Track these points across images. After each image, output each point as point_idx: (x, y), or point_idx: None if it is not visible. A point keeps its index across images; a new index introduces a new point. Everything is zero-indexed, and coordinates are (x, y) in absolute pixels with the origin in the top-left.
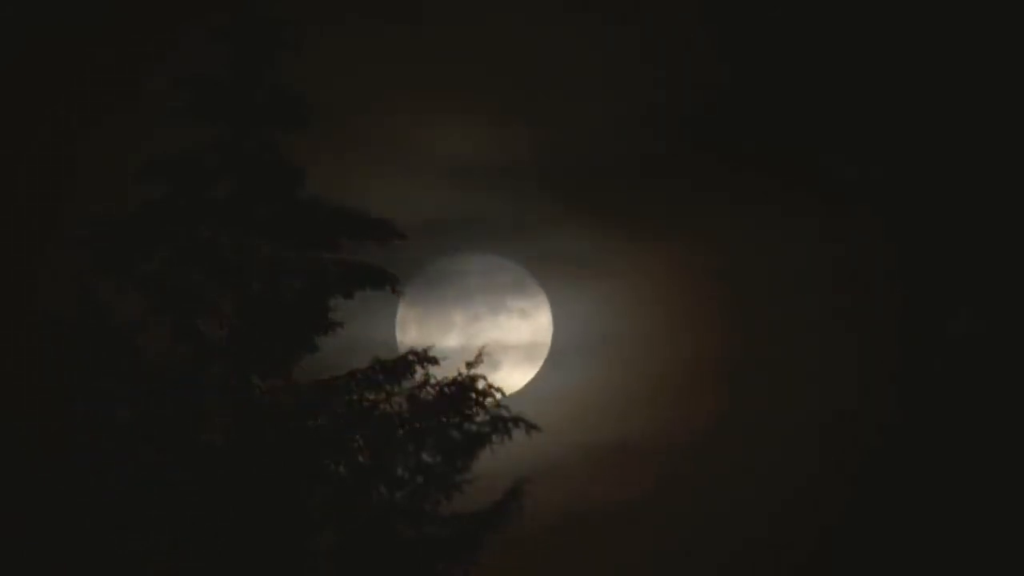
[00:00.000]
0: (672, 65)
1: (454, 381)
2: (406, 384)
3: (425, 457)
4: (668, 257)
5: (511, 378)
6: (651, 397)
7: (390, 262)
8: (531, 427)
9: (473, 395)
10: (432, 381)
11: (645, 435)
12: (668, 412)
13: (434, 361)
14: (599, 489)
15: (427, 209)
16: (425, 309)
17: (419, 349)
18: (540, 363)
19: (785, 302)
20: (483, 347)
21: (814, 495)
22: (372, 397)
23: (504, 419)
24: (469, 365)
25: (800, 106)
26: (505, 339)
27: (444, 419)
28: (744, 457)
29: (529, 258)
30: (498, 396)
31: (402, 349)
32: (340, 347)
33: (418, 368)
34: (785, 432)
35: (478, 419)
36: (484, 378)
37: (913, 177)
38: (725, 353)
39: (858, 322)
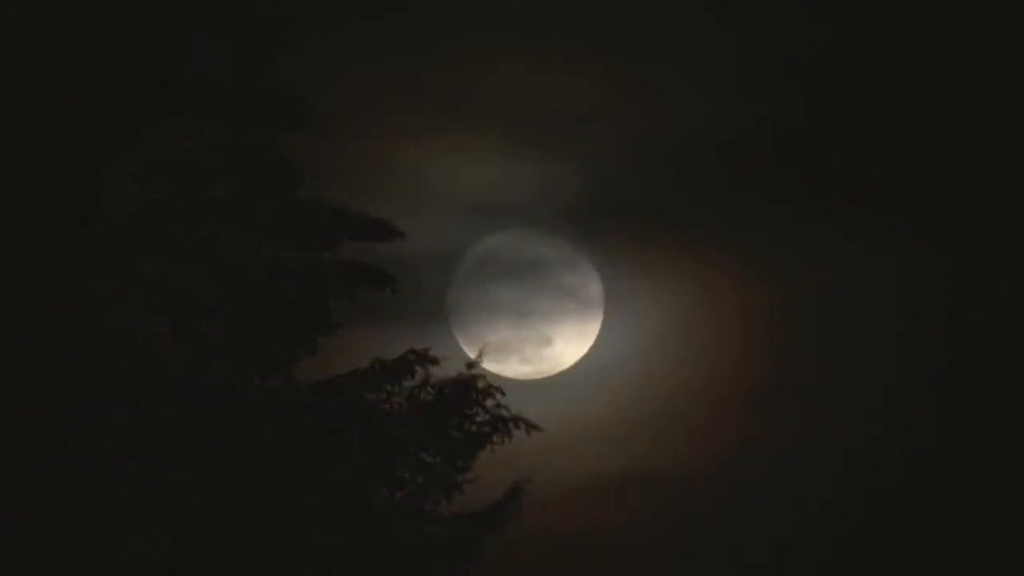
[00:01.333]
0: (727, 81)
1: (454, 381)
2: (406, 384)
3: (425, 457)
4: (702, 282)
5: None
6: (679, 423)
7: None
8: (531, 427)
9: (473, 395)
10: (432, 381)
11: (664, 461)
12: (696, 437)
13: (434, 361)
14: (612, 512)
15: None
16: (477, 293)
17: (419, 348)
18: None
19: (832, 330)
20: (483, 347)
21: (828, 528)
22: (372, 397)
23: (504, 419)
24: (469, 365)
25: (863, 128)
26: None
27: (444, 419)
28: (762, 483)
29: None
30: (498, 396)
31: (457, 333)
32: (390, 333)
33: (418, 368)
34: (808, 460)
35: (478, 419)
36: (484, 378)
37: (975, 205)
38: (759, 380)
39: (909, 354)
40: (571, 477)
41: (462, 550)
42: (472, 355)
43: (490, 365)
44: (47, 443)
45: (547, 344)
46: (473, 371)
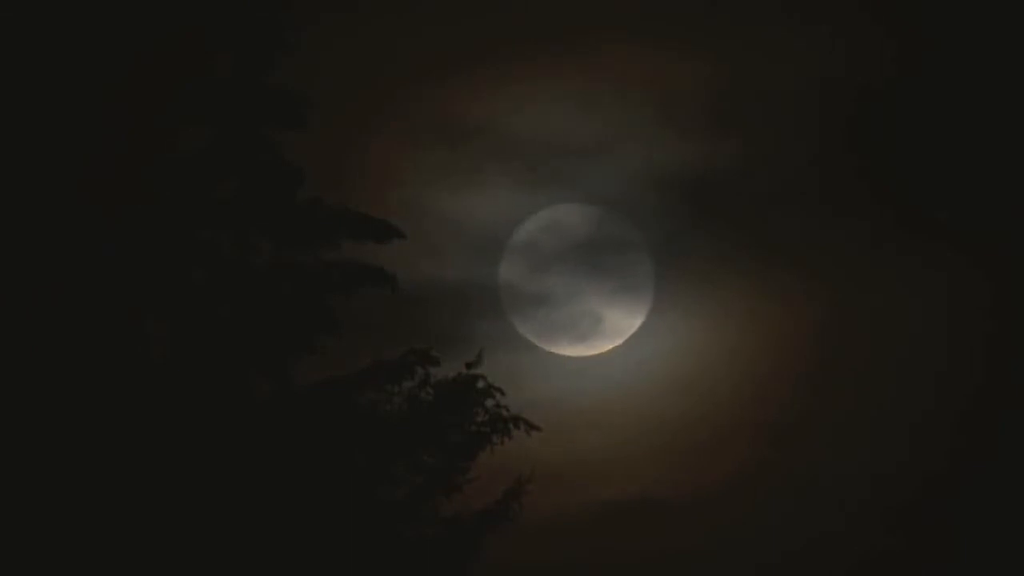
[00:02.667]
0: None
1: (454, 381)
2: (406, 384)
3: (425, 457)
4: (742, 305)
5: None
6: (697, 446)
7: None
8: (531, 427)
9: (473, 395)
10: (432, 381)
11: (673, 485)
12: (715, 461)
13: (434, 361)
14: (617, 535)
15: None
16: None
17: (419, 348)
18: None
19: (869, 353)
20: (482, 349)
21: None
22: (372, 397)
23: (504, 419)
24: (468, 365)
25: (928, 155)
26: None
27: (444, 419)
28: (774, 510)
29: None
30: (498, 396)
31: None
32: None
33: (418, 368)
34: (822, 488)
35: (478, 419)
36: (484, 378)
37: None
38: (780, 406)
39: (946, 389)
40: (578, 499)
41: (462, 550)
42: (530, 339)
43: (545, 345)
44: (47, 443)
45: (597, 323)
46: (472, 371)
